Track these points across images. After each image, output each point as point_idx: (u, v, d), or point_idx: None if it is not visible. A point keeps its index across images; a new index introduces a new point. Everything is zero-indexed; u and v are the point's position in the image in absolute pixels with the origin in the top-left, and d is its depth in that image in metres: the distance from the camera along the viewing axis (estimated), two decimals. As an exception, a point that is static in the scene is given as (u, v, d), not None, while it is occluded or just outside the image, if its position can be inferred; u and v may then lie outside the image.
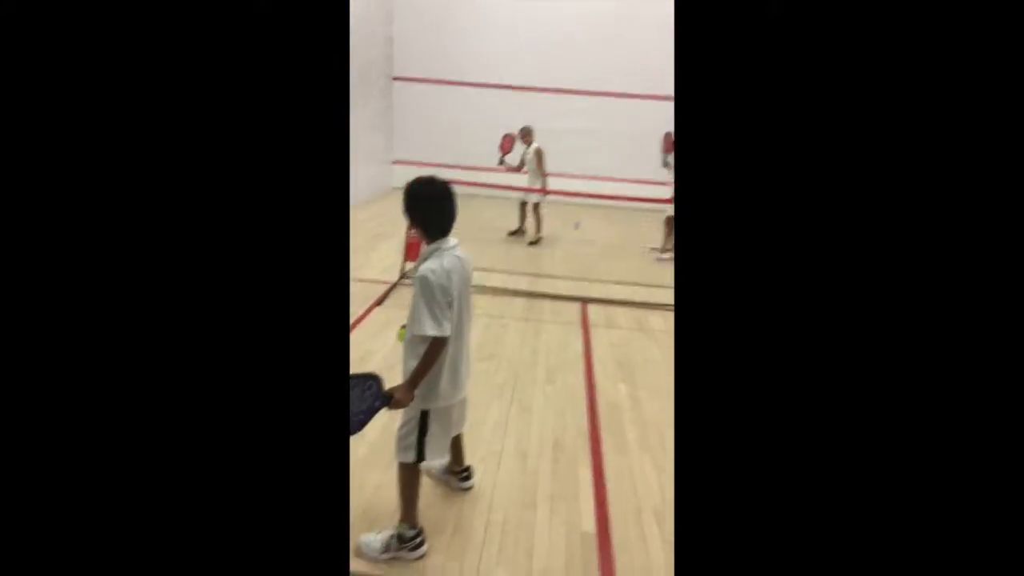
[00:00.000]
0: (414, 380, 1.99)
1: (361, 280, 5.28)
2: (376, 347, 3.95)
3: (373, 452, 2.77)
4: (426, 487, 2.50)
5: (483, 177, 7.40)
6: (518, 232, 7.37)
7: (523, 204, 7.29)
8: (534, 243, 7.09)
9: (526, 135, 7.07)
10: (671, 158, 6.49)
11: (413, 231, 2.10)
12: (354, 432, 1.84)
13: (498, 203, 6.59)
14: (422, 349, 2.00)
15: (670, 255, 6.40)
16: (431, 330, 1.93)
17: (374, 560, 2.14)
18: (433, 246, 2.03)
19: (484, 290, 5.12)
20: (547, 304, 5.05)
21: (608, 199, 6.49)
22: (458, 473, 2.57)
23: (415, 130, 10.05)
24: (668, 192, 6.18)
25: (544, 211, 7.20)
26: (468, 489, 2.57)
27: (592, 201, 5.75)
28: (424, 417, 2.09)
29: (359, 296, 4.84)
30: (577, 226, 6.67)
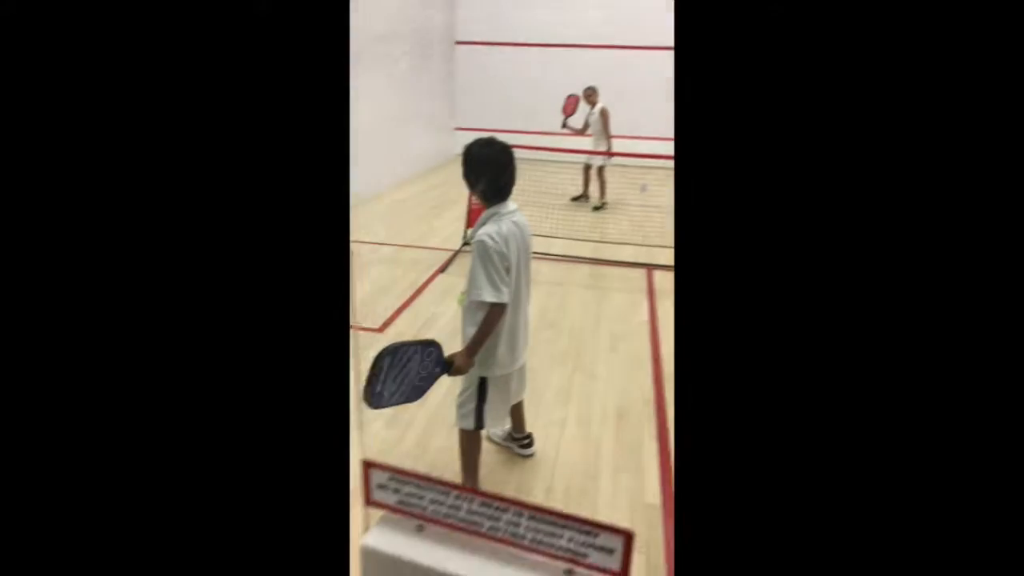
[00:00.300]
0: (473, 347, 1.96)
1: (424, 247, 5.31)
2: (440, 311, 3.97)
3: (435, 416, 2.79)
4: (487, 452, 2.50)
5: (547, 142, 7.24)
6: (582, 197, 7.20)
7: (587, 168, 7.10)
8: (598, 208, 6.91)
9: (590, 95, 6.82)
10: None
11: (475, 195, 2.04)
12: (415, 399, 1.84)
13: (561, 167, 6.43)
14: (480, 316, 1.96)
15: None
16: (489, 296, 1.89)
17: (437, 523, 2.16)
18: (491, 211, 1.97)
19: (546, 257, 5.05)
20: (611, 271, 4.92)
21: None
22: (519, 440, 2.56)
23: (477, 95, 9.94)
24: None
25: (609, 175, 6.98)
26: (529, 456, 2.56)
27: (660, 163, 5.52)
28: (483, 384, 2.07)
29: (423, 263, 4.88)
30: (644, 189, 6.43)
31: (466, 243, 5.20)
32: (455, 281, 4.50)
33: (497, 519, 0.98)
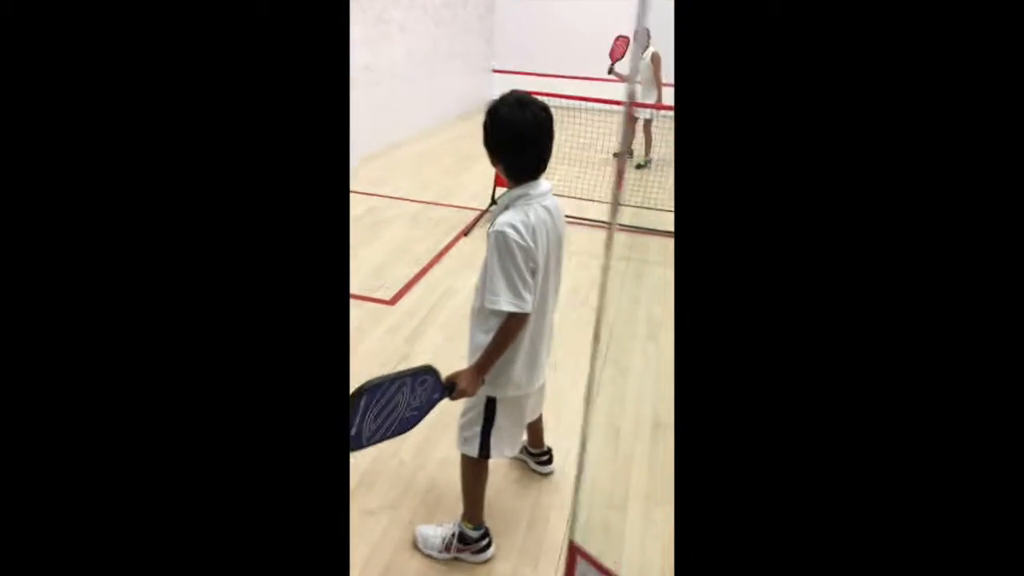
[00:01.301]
0: (483, 364, 1.56)
1: (447, 205, 4.87)
2: (458, 285, 3.58)
3: (438, 421, 2.43)
4: (497, 465, 2.14)
5: (591, 89, 6.60)
6: (624, 153, 6.60)
7: (631, 120, 6.46)
8: (642, 166, 6.32)
9: (641, 39, 6.13)
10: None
11: (497, 168, 1.59)
12: (404, 431, 1.46)
13: (605, 118, 5.76)
14: (494, 323, 1.55)
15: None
16: (507, 304, 1.47)
17: (432, 558, 1.83)
18: (517, 191, 1.53)
19: (580, 222, 4.56)
20: (653, 240, 4.41)
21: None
22: (536, 455, 2.18)
23: (518, 34, 9.19)
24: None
25: (656, 129, 6.35)
26: (547, 475, 2.19)
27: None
28: (491, 406, 1.68)
29: (444, 224, 4.45)
30: None
31: (494, 202, 4.75)
32: (480, 248, 4.08)
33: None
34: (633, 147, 6.52)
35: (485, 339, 1.59)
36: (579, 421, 2.47)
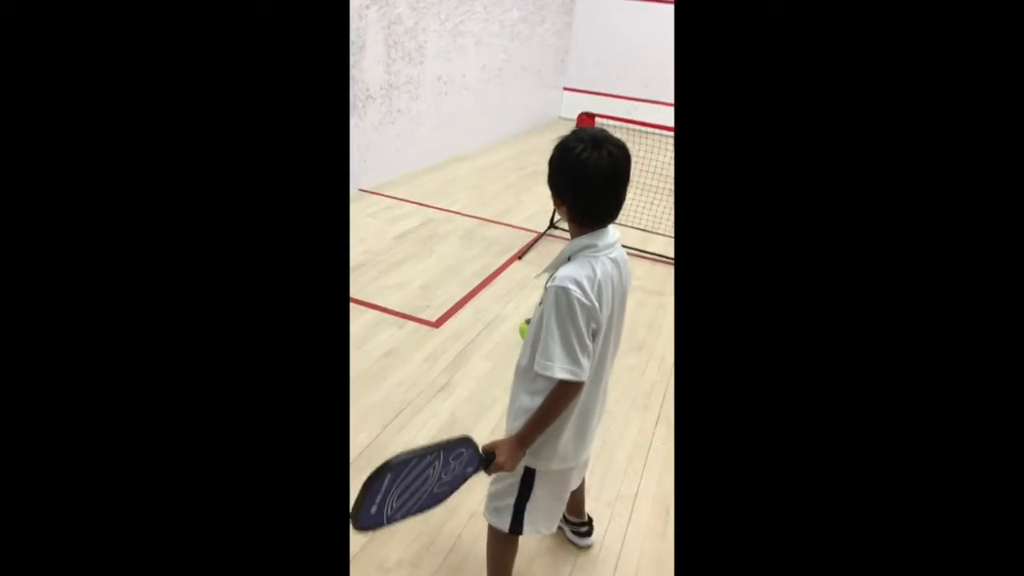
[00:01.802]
0: (527, 435, 1.35)
1: (504, 224, 4.70)
2: (507, 311, 3.38)
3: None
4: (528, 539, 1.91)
5: (666, 114, 6.33)
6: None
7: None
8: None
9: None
10: None
11: (560, 211, 1.39)
12: (432, 507, 1.27)
13: (652, 141, 5.45)
14: (542, 385, 1.35)
15: None
16: (561, 372, 1.26)
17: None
18: (583, 241, 1.32)
19: (642, 256, 4.30)
20: (720, 283, 4.11)
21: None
22: (574, 524, 1.95)
23: (594, 54, 9.01)
24: None
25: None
26: (586, 548, 1.95)
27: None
28: (528, 478, 1.46)
29: (498, 244, 4.28)
30: None
31: (553, 226, 4.54)
32: (532, 274, 3.88)
33: None
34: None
35: (530, 403, 1.39)
36: (625, 485, 2.23)
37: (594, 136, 1.28)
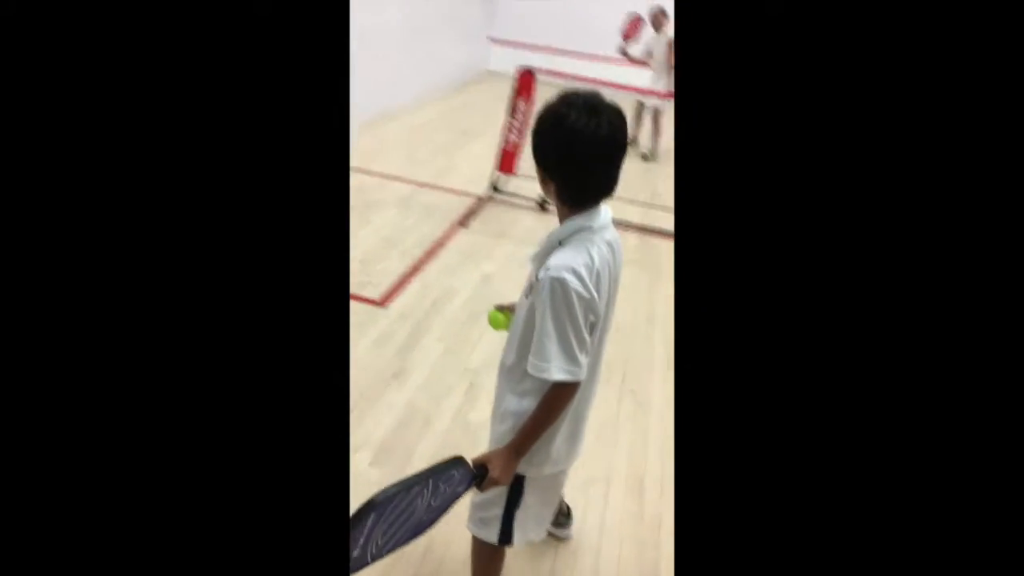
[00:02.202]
0: (521, 445, 1.22)
1: (441, 188, 4.45)
2: (457, 285, 3.19)
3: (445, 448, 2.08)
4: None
5: (597, 70, 6.18)
6: (630, 142, 6.22)
7: (640, 106, 6.07)
8: (648, 158, 5.96)
9: (657, 19, 5.68)
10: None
11: (547, 189, 1.22)
12: (417, 536, 1.11)
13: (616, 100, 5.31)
14: (531, 385, 1.22)
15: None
16: (559, 372, 1.13)
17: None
18: (576, 222, 1.16)
19: (589, 217, 4.21)
20: (666, 244, 4.08)
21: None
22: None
23: (524, 3, 8.64)
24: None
25: (667, 120, 5.96)
26: (565, 539, 1.86)
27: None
28: (518, 485, 1.33)
29: (438, 212, 4.04)
30: None
31: (496, 190, 4.34)
32: (480, 242, 3.69)
33: None
34: (638, 136, 6.14)
35: (518, 405, 1.25)
36: (595, 466, 2.15)
37: (588, 101, 1.11)
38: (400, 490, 1.00)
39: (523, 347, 1.23)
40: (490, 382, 2.45)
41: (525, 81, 4.11)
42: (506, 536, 1.37)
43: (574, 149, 1.10)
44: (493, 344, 2.71)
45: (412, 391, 2.39)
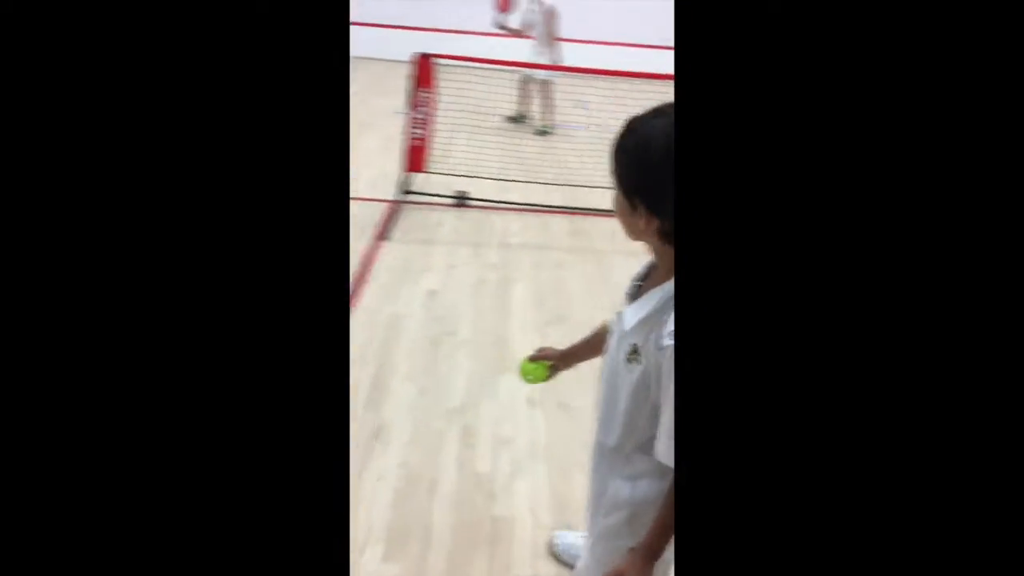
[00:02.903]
0: (657, 543, 1.02)
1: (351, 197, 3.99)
2: (402, 309, 2.85)
3: (468, 536, 1.79)
4: (463, 522, 1.59)
5: (473, 45, 5.89)
6: (520, 119, 6.01)
7: (525, 81, 5.88)
8: (546, 132, 5.81)
9: (532, -11, 5.48)
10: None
11: (641, 226, 0.97)
12: None
13: (492, 78, 4.91)
14: (644, 467, 1.04)
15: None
16: None
17: None
18: None
19: (511, 208, 3.97)
20: (595, 224, 3.94)
21: (628, 76, 4.87)
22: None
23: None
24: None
25: (557, 92, 5.81)
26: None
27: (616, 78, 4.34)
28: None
29: (354, 221, 3.61)
30: (584, 107, 5.31)
31: (408, 192, 3.96)
32: (411, 252, 3.34)
33: None
34: (530, 112, 5.97)
35: (633, 492, 1.06)
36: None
37: (666, 113, 0.89)
38: None
39: (630, 425, 1.04)
40: (480, 421, 2.19)
41: (424, 68, 3.74)
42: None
43: (651, 172, 0.89)
44: (470, 372, 2.44)
45: (400, 450, 2.07)
